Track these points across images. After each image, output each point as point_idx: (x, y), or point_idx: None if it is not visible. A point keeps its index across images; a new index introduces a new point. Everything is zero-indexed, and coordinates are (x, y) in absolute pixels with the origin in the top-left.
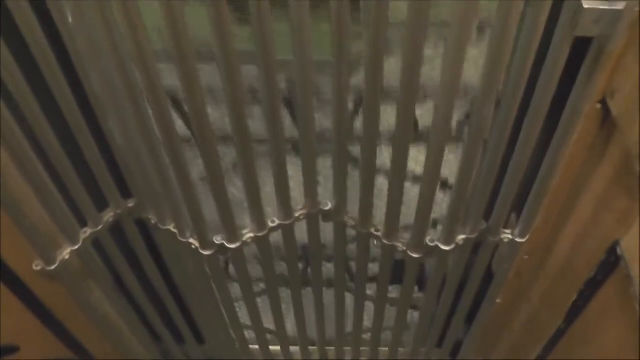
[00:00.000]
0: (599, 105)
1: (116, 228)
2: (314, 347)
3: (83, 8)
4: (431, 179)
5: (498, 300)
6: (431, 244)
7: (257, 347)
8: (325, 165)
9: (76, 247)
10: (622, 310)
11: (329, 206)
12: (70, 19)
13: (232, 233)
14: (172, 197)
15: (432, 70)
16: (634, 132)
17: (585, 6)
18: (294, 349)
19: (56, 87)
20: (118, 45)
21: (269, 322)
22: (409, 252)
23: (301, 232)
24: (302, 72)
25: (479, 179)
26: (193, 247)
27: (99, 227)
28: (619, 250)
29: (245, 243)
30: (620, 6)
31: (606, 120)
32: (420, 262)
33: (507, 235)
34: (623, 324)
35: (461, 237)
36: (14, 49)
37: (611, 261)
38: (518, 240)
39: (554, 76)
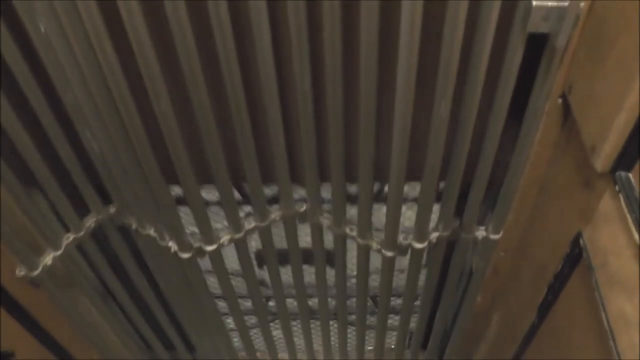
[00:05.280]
0: (560, 101)
1: (100, 235)
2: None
3: (55, 16)
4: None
5: (478, 299)
6: (405, 242)
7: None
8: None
9: (59, 253)
10: (587, 301)
11: (304, 207)
12: (42, 29)
13: (209, 235)
14: (150, 202)
15: None
16: (588, 125)
17: (534, 4)
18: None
19: (32, 95)
20: (90, 55)
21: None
22: (383, 251)
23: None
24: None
25: (447, 177)
26: (172, 250)
27: (81, 233)
28: (581, 242)
29: (222, 245)
30: (566, 3)
31: (568, 117)
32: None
33: (481, 232)
34: (587, 315)
35: (434, 234)
36: None
37: (575, 253)
38: (492, 237)
39: (512, 72)
